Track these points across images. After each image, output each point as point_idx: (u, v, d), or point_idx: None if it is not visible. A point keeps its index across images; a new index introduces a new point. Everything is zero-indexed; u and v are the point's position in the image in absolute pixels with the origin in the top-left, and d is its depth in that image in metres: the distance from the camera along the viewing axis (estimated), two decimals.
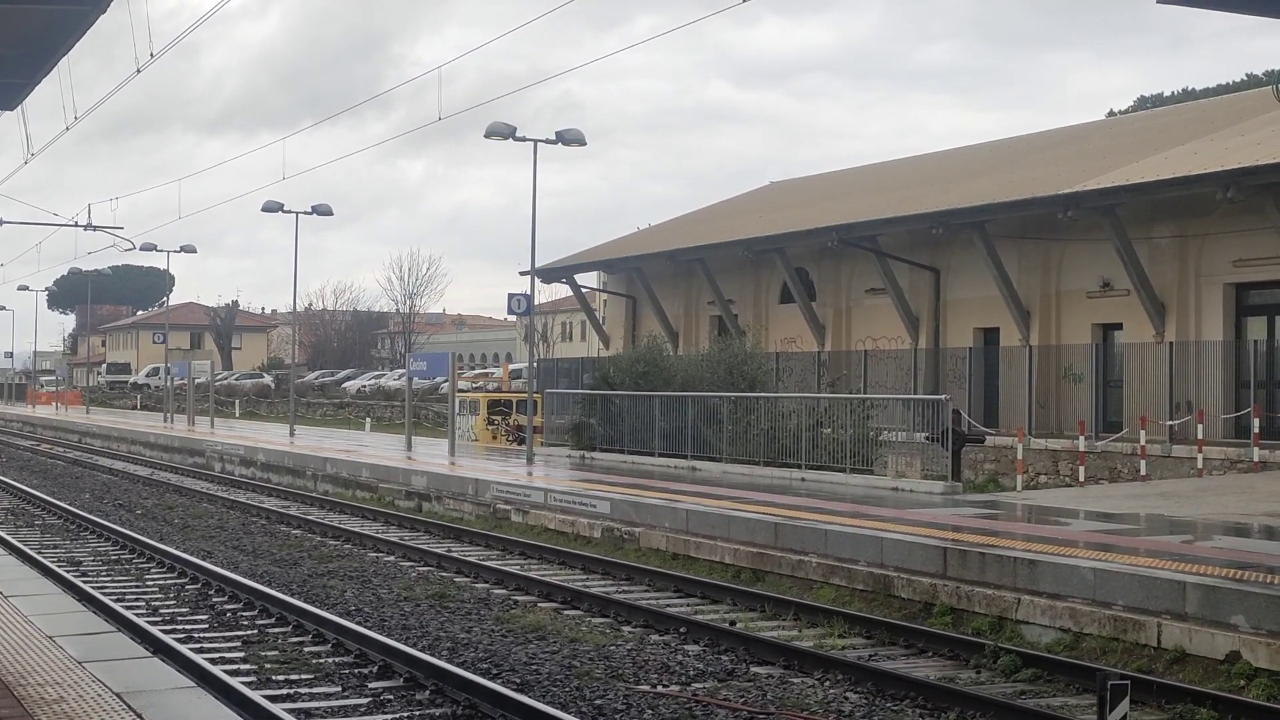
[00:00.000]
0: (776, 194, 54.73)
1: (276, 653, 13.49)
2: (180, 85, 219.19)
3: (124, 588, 17.76)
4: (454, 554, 20.87)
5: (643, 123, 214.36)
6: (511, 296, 36.23)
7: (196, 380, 62.19)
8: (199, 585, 17.92)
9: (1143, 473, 28.09)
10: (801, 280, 42.86)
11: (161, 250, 61.44)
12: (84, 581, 17.59)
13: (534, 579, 18.14)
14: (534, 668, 12.78)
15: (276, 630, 14.80)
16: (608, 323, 55.48)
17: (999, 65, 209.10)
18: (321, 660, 13.18)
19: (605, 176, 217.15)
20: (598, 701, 11.50)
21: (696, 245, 46.35)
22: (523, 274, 64.34)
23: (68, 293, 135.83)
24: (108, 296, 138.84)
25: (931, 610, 15.36)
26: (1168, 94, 72.42)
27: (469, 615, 15.77)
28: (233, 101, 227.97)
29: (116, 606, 15.31)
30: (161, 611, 15.89)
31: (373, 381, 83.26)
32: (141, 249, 58.99)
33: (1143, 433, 28.47)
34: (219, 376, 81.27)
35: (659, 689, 12.08)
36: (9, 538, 21.85)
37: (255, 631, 14.74)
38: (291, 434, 47.58)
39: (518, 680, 12.18)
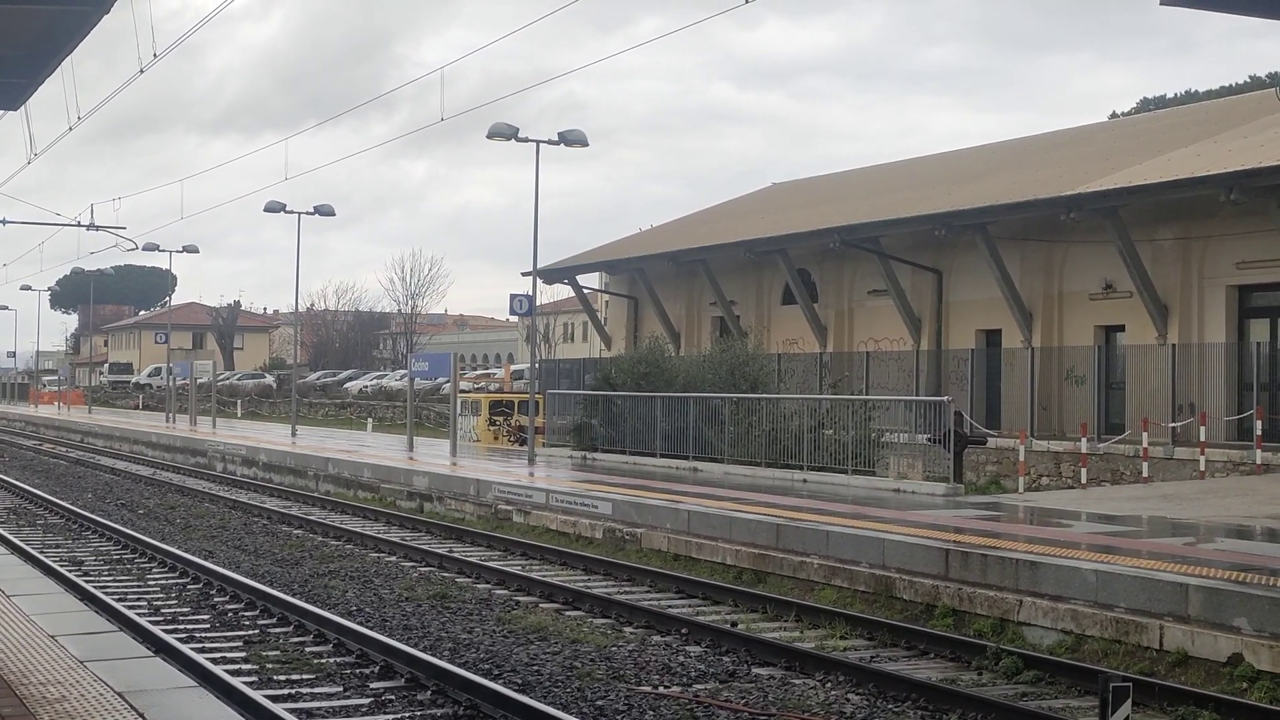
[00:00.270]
0: (779, 195, 54.73)
1: (278, 653, 13.49)
2: (183, 86, 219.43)
3: (126, 587, 17.76)
4: (455, 554, 20.87)
5: (645, 123, 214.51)
6: (513, 297, 36.23)
7: (198, 380, 62.19)
8: (201, 585, 17.92)
9: (1145, 475, 28.07)
10: (803, 281, 42.84)
11: (164, 250, 61.53)
12: (86, 581, 17.60)
13: (535, 580, 18.14)
14: (535, 668, 12.78)
15: (278, 630, 14.80)
16: (609, 323, 55.48)
17: (1001, 67, 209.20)
18: (323, 660, 13.18)
19: (608, 177, 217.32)
20: (599, 702, 11.50)
21: (698, 246, 46.34)
22: (525, 275, 64.28)
23: (70, 293, 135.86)
24: (110, 296, 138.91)
25: (933, 612, 15.35)
26: (1170, 96, 72.38)
27: (470, 616, 15.77)
28: (235, 102, 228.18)
29: (118, 606, 15.31)
30: (163, 611, 15.90)
31: (374, 382, 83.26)
32: (144, 249, 59.06)
33: (1145, 435, 28.45)
34: (221, 377, 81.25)
35: (660, 690, 12.08)
36: (11, 537, 21.85)
37: (257, 631, 14.74)
38: (293, 434, 47.60)
39: (519, 681, 12.18)
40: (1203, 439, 28.06)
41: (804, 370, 39.73)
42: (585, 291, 56.20)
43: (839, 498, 23.10)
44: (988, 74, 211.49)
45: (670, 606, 16.53)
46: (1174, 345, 31.49)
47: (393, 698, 11.71)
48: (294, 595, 16.66)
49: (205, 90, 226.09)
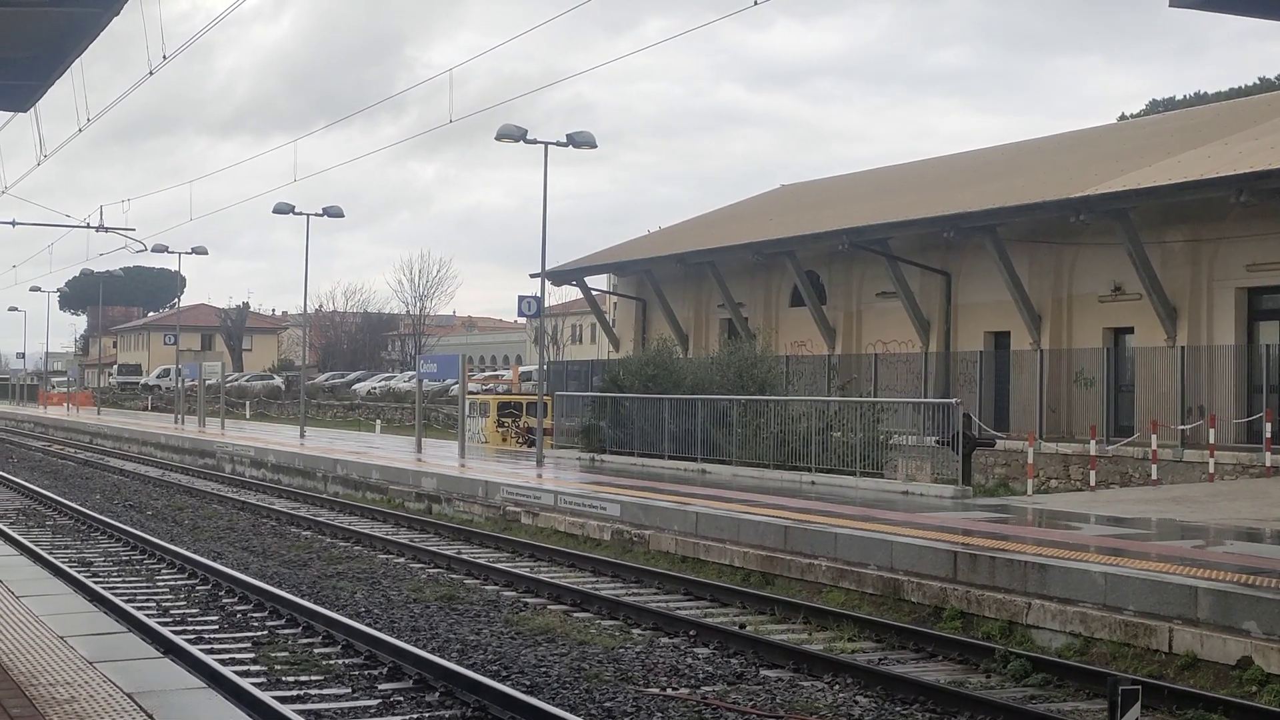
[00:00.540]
0: (787, 197, 54.70)
1: (286, 654, 13.51)
2: (193, 87, 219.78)
3: (135, 588, 17.79)
4: (464, 556, 20.88)
5: (654, 125, 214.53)
6: (522, 299, 36.25)
7: (207, 381, 62.28)
8: (209, 586, 17.95)
9: (1154, 477, 28.03)
10: (812, 283, 42.82)
11: (173, 252, 61.68)
12: (95, 582, 17.63)
13: (544, 581, 18.15)
14: (543, 670, 12.79)
15: (286, 631, 14.82)
16: (618, 325, 55.47)
17: (1010, 69, 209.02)
18: (331, 661, 13.19)
19: (616, 179, 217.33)
20: (607, 704, 11.50)
21: (707, 248, 46.33)
22: (533, 276, 64.22)
23: (79, 294, 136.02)
24: (119, 298, 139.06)
25: (941, 614, 15.34)
26: (1180, 98, 72.26)
27: (479, 617, 15.78)
28: (245, 104, 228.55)
29: (127, 607, 15.34)
30: (172, 612, 15.92)
31: (383, 383, 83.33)
32: (153, 250, 59.12)
33: (1154, 437, 28.41)
34: (230, 378, 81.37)
35: (668, 691, 12.08)
36: (20, 538, 21.91)
37: (265, 632, 14.76)
38: (302, 435, 47.65)
39: (527, 682, 12.19)
40: (1212, 441, 28.00)
41: (812, 372, 39.70)
42: (594, 293, 56.20)
43: (847, 500, 23.09)
44: (997, 76, 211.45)
45: (678, 608, 16.53)
46: (1183, 347, 31.44)
47: (401, 699, 11.72)
48: (302, 596, 16.68)
49: (215, 92, 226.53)
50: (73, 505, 28.11)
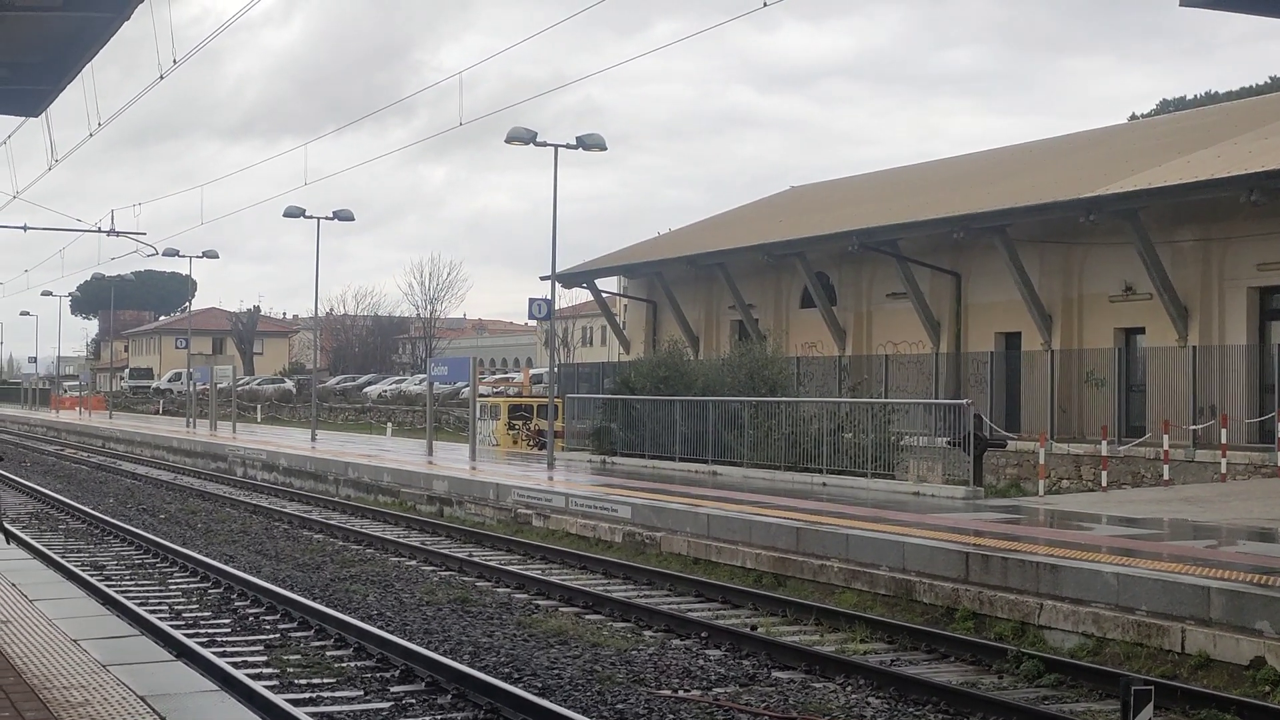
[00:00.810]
0: (797, 198, 54.70)
1: (299, 657, 13.53)
2: (203, 92, 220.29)
3: (147, 592, 17.83)
4: (475, 559, 20.89)
5: (663, 128, 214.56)
6: (532, 301, 36.27)
7: (218, 385, 62.40)
8: (221, 589, 17.98)
9: (1166, 477, 27.98)
10: (822, 285, 42.82)
11: (184, 256, 61.80)
12: (108, 585, 17.67)
13: (555, 583, 18.16)
14: (556, 672, 12.79)
15: (299, 634, 14.84)
16: (628, 327, 55.49)
17: (1020, 70, 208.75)
18: (344, 664, 13.21)
19: (626, 182, 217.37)
20: (619, 706, 11.50)
21: (717, 250, 46.34)
22: (543, 279, 64.25)
23: (91, 298, 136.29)
24: (130, 302, 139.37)
25: (953, 615, 15.33)
26: (1191, 97, 72.12)
27: (490, 620, 15.79)
28: (255, 108, 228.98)
29: (140, 610, 15.37)
30: (185, 615, 15.95)
31: (394, 386, 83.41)
32: (164, 255, 59.21)
33: (1166, 437, 28.36)
34: (241, 381, 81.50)
35: (681, 693, 12.08)
36: (34, 542, 21.95)
37: (278, 635, 14.78)
38: (313, 439, 47.72)
39: (539, 685, 12.19)
40: (1224, 441, 27.96)
41: (823, 373, 39.70)
42: (604, 295, 56.22)
43: (859, 501, 23.08)
44: (1006, 77, 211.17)
45: (690, 610, 16.54)
46: (1194, 347, 31.40)
47: (414, 701, 11.73)
48: (315, 599, 16.70)
49: (225, 96, 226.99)
50: (85, 509, 28.17)
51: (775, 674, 13.05)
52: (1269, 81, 67.52)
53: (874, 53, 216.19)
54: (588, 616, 16.15)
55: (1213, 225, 31.69)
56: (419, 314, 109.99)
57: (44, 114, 19.67)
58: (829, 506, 21.84)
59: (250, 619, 15.81)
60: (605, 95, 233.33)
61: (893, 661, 13.59)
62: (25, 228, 50.32)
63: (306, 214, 47.30)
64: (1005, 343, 37.62)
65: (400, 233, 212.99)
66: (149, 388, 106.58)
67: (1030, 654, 13.15)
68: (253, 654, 13.66)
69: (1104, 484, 28.64)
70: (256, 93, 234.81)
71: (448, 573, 19.90)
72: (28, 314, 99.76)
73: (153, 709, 8.11)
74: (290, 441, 46.39)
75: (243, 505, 30.30)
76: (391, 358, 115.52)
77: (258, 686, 11.43)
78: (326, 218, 47.91)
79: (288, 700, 11.13)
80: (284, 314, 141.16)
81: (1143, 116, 66.39)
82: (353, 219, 48.27)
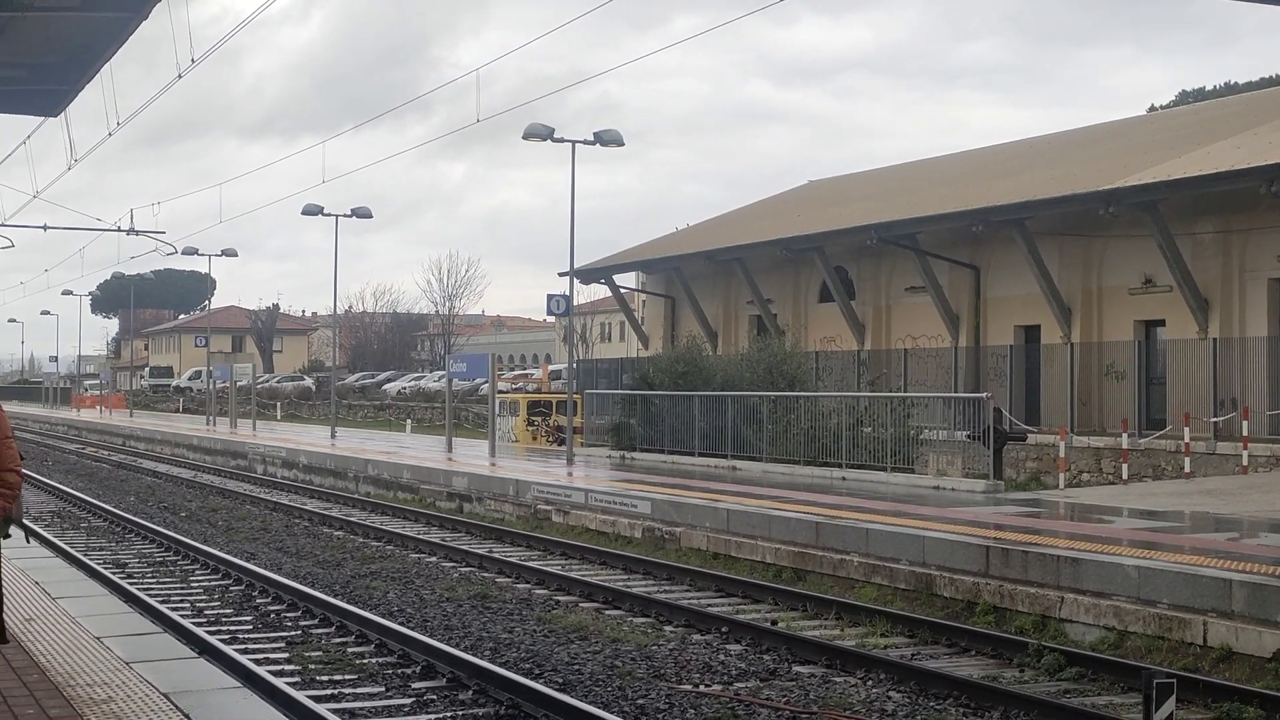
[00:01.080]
0: (815, 193, 54.61)
1: (320, 653, 13.57)
2: (222, 91, 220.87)
3: (169, 589, 17.89)
4: (495, 555, 20.93)
5: (681, 123, 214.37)
6: (550, 297, 36.31)
7: (238, 383, 62.56)
8: (243, 586, 18.03)
9: (1187, 470, 27.88)
10: (841, 279, 42.74)
11: (203, 254, 62.04)
12: (130, 583, 17.74)
13: (575, 579, 18.18)
14: (576, 668, 12.81)
15: (320, 631, 14.89)
16: (646, 323, 55.46)
17: (1039, 62, 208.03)
18: (365, 661, 13.24)
19: (644, 177, 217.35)
20: (640, 701, 11.51)
21: (735, 245, 46.27)
22: (561, 275, 64.24)
23: (111, 297, 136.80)
24: (150, 300, 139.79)
25: (974, 609, 15.31)
26: (1210, 88, 71.82)
27: (511, 616, 15.82)
28: (274, 106, 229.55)
29: (162, 608, 15.43)
30: (206, 613, 16.01)
31: (413, 383, 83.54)
32: (183, 253, 59.37)
33: (1186, 430, 28.25)
34: (260, 379, 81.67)
35: (701, 689, 12.08)
36: (56, 540, 22.05)
37: (299, 632, 14.83)
38: (333, 436, 47.82)
39: (560, 680, 12.21)
40: (1245, 434, 27.83)
41: (842, 368, 39.63)
42: (622, 291, 56.21)
43: (878, 495, 23.05)
44: (1025, 70, 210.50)
45: (710, 605, 16.54)
46: (1215, 339, 31.26)
47: (434, 697, 11.75)
48: (336, 596, 16.75)
49: (243, 94, 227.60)
50: (107, 507, 28.28)
51: (796, 669, 13.05)
52: None
53: (893, 46, 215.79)
54: (608, 612, 16.16)
55: (1233, 217, 31.55)
56: (438, 311, 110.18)
57: (63, 114, 19.72)
58: (848, 501, 21.82)
59: (272, 616, 15.86)
60: (623, 91, 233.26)
61: (913, 656, 13.58)
62: (45, 227, 50.51)
63: (325, 212, 47.38)
64: (1024, 336, 37.51)
65: (419, 230, 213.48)
66: (169, 386, 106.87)
67: (1051, 647, 13.13)
68: (274, 651, 13.70)
69: (1124, 477, 28.54)
70: (275, 91, 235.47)
71: (468, 569, 19.93)
72: (48, 313, 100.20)
73: (176, 706, 8.14)
74: (310, 439, 46.50)
75: (263, 502, 30.39)
76: (410, 354, 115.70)
77: (280, 683, 11.46)
78: (345, 215, 48.01)
79: (309, 697, 11.16)
80: (303, 312, 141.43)
81: (1162, 108, 66.13)
82: (371, 216, 48.38)
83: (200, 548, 21.33)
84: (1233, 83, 70.73)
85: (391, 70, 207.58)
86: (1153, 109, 67.52)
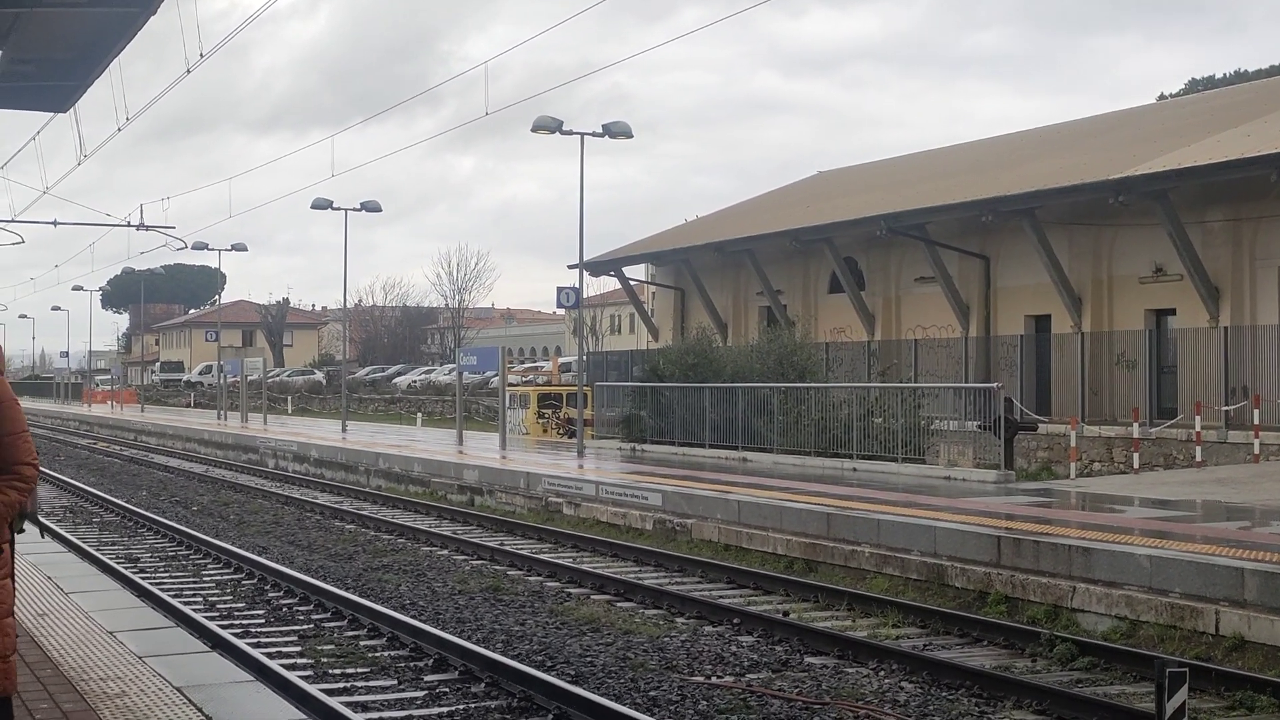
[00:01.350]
0: (824, 184, 54.56)
1: (333, 647, 13.59)
2: (231, 85, 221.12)
3: (181, 584, 17.93)
4: (507, 547, 20.95)
5: (690, 115, 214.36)
6: (560, 290, 36.30)
7: (249, 377, 62.61)
8: (255, 580, 18.06)
9: (1198, 459, 27.83)
10: (850, 270, 42.71)
11: (213, 249, 62.17)
12: (142, 578, 17.77)
13: (587, 571, 18.19)
14: (588, 660, 12.82)
15: (332, 624, 14.91)
16: (656, 315, 55.46)
17: (1048, 51, 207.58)
18: (377, 654, 13.26)
19: (653, 169, 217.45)
20: (652, 693, 11.52)
21: (744, 236, 46.26)
22: (571, 267, 64.36)
23: (121, 292, 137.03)
24: (160, 295, 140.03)
25: (986, 599, 15.30)
26: (1220, 76, 71.59)
27: (523, 608, 15.83)
28: (282, 100, 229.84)
29: (174, 602, 15.46)
30: (219, 607, 16.04)
31: (423, 376, 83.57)
32: (193, 248, 59.59)
33: (1198, 418, 28.20)
34: (271, 373, 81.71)
35: (713, 680, 12.09)
36: (68, 535, 22.10)
37: (311, 626, 14.85)
38: (344, 430, 47.88)
39: (572, 672, 12.22)
40: (1256, 422, 27.78)
41: (852, 359, 39.62)
42: (632, 283, 56.22)
43: (889, 486, 23.04)
44: (1034, 58, 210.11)
45: (722, 597, 16.55)
46: (1226, 328, 31.20)
47: (447, 690, 11.77)
48: (348, 590, 16.77)
49: (252, 89, 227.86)
50: (119, 502, 28.34)
51: (808, 660, 13.05)
52: None
53: (901, 36, 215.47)
54: (619, 604, 16.17)
55: (1243, 205, 31.47)
56: (447, 304, 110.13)
57: (72, 110, 19.73)
58: (859, 492, 21.81)
59: (284, 610, 15.88)
60: (632, 83, 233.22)
61: (925, 646, 13.58)
62: (55, 223, 50.78)
63: (334, 206, 47.47)
64: (1035, 325, 37.47)
65: (428, 223, 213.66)
66: (180, 381, 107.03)
67: (1063, 637, 13.12)
68: (287, 644, 13.72)
69: (1136, 466, 28.50)
70: (284, 85, 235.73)
71: (479, 562, 19.95)
72: (59, 309, 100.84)
73: (189, 700, 8.16)
74: (321, 432, 46.56)
75: (275, 496, 30.44)
76: (420, 348, 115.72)
77: (292, 677, 11.48)
78: (354, 209, 48.08)
79: (322, 690, 11.19)
80: (313, 305, 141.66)
81: (1171, 96, 65.95)
82: (380, 210, 48.42)
83: (212, 542, 21.36)
84: (1243, 70, 70.51)
85: (400, 64, 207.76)
86: (1162, 97, 67.33)
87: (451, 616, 15.23)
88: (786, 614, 15.27)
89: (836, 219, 42.13)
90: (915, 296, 41.32)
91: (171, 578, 18.50)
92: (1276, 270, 31.34)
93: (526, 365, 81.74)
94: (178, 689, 8.45)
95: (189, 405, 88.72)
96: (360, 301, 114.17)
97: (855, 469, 26.43)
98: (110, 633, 10.32)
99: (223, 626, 14.16)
